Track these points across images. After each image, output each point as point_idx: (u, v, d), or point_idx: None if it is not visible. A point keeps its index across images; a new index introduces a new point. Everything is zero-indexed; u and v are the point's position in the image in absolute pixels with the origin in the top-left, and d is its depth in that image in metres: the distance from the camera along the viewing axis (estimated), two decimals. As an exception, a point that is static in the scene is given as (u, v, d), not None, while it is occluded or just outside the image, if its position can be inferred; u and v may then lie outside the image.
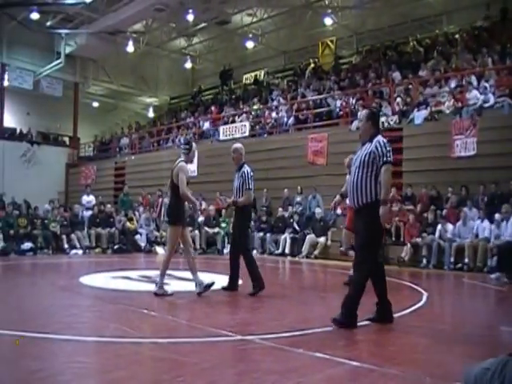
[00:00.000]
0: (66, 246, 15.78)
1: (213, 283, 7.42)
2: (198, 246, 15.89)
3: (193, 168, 18.81)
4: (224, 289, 7.86)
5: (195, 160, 16.40)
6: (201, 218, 16.67)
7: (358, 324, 5.41)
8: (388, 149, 5.32)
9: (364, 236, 5.39)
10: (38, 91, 27.07)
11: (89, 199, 19.18)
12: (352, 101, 17.74)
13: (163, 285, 7.37)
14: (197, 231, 16.22)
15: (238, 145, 8.13)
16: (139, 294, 7.63)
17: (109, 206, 17.93)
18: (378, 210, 5.21)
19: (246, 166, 7.86)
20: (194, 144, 7.68)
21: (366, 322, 5.59)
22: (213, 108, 24.96)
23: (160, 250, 15.42)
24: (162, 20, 24.39)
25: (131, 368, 3.96)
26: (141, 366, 4.05)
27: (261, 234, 16.44)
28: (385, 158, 5.27)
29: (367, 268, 5.39)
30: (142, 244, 16.63)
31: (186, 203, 7.58)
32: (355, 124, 15.90)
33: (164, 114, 31.70)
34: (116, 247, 16.35)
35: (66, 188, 27.82)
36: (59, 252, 15.51)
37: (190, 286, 7.60)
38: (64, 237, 15.88)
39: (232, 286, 7.92)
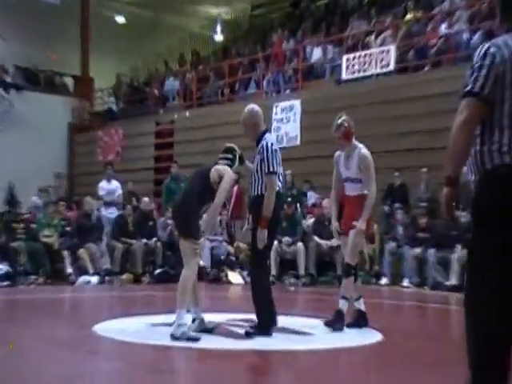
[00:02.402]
0: (69, 269, 13.08)
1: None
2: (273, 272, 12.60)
3: (294, 133, 15.48)
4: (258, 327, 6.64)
5: (297, 119, 15.12)
6: (309, 221, 13.63)
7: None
8: None
9: None
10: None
11: (111, 187, 15.36)
12: None
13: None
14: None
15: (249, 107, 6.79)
16: (193, 352, 6.16)
17: (146, 199, 14.70)
18: None
19: (266, 136, 6.67)
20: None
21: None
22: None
23: (235, 276, 12.93)
24: None
25: None
26: None
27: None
28: None
29: None
30: (204, 265, 13.05)
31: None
32: None
33: (242, 35, 25.72)
34: (158, 271, 13.47)
35: (69, 168, 23.12)
36: (57, 280, 12.97)
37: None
38: (66, 253, 13.11)
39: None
